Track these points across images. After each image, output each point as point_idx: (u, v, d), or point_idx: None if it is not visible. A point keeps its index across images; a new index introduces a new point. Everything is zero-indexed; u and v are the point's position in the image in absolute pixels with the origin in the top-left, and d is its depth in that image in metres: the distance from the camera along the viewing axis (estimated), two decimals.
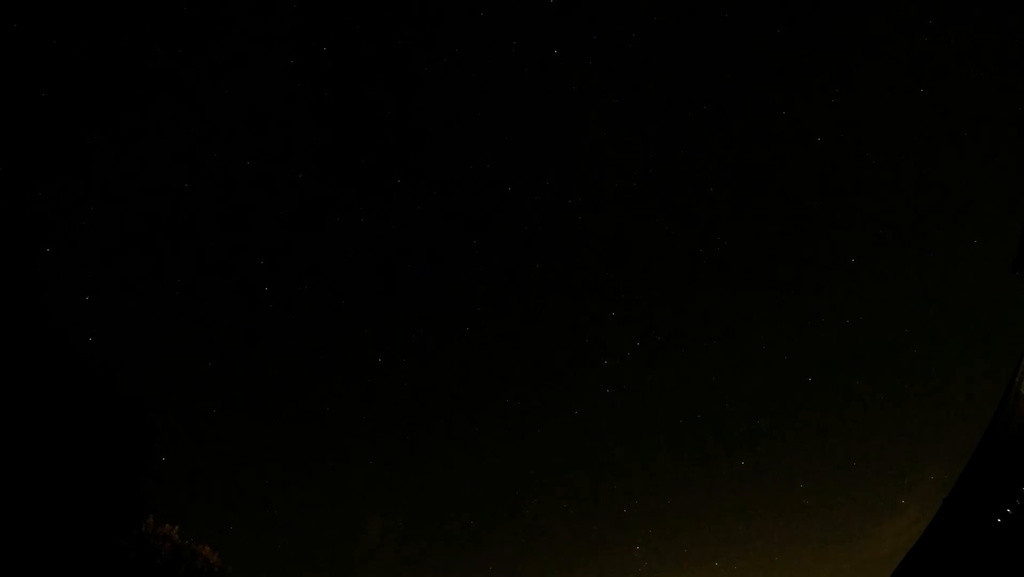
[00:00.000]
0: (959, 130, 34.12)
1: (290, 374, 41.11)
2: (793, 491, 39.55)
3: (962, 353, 37.52)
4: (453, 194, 39.16)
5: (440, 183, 39.20)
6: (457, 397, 42.76)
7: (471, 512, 42.86)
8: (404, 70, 35.11)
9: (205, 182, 35.04)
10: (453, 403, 42.77)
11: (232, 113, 34.27)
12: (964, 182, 35.14)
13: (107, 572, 13.16)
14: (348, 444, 42.07)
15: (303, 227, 38.78)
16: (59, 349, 12.38)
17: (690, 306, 40.30)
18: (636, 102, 36.84)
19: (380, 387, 41.09)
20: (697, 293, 40.10)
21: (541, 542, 43.06)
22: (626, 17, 34.26)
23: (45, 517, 11.80)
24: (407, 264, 40.46)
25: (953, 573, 12.40)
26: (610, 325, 39.78)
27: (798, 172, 37.41)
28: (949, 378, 37.97)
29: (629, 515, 40.42)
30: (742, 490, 41.32)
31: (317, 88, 34.11)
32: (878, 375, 39.85)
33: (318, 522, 41.79)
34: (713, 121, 36.96)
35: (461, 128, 37.85)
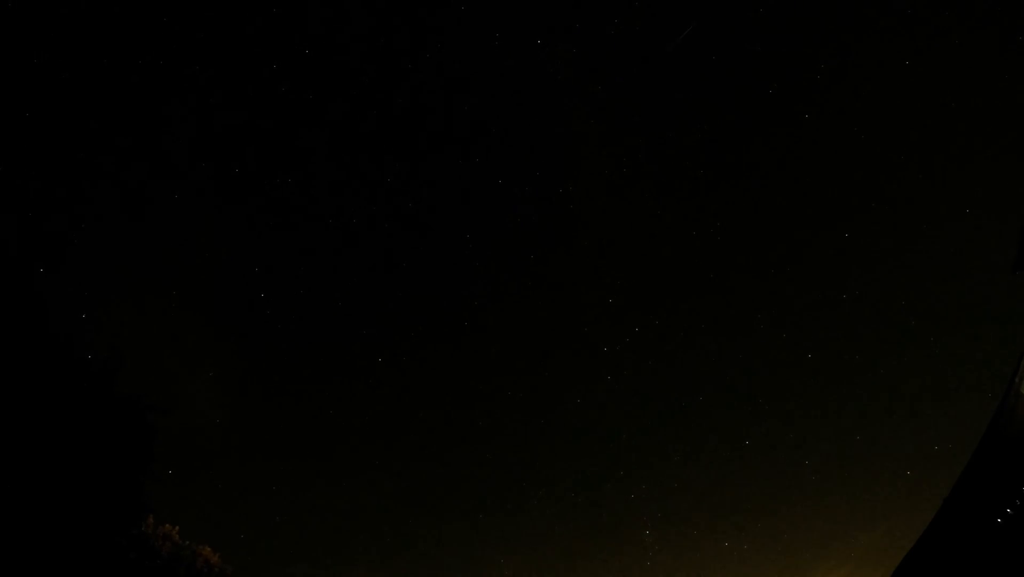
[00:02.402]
0: (956, 119, 34.06)
1: (290, 376, 41.14)
2: (799, 468, 39.61)
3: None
4: (444, 190, 39.18)
5: (430, 179, 39.21)
6: (458, 392, 42.78)
7: (479, 506, 42.92)
8: (387, 68, 35.07)
9: (195, 190, 35.04)
10: (455, 399, 42.81)
11: (218, 120, 34.23)
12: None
13: (107, 572, 13.16)
14: (351, 443, 42.08)
15: (295, 231, 38.82)
16: (59, 350, 12.38)
17: (687, 289, 40.34)
18: (622, 88, 36.83)
19: (381, 387, 41.12)
20: (693, 276, 40.12)
21: (551, 533, 43.12)
22: (607, 3, 34.20)
23: (45, 517, 11.79)
24: (402, 262, 40.49)
25: (953, 573, 12.40)
26: (608, 312, 39.76)
27: (787, 150, 37.42)
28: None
29: (637, 500, 40.47)
30: (748, 469, 41.39)
31: (301, 91, 34.08)
32: (877, 349, 39.89)
33: (320, 521, 41.80)
34: (700, 103, 36.96)
35: (448, 123, 37.86)
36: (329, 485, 41.75)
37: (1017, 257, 10.75)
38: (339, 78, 34.56)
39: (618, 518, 42.00)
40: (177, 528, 16.60)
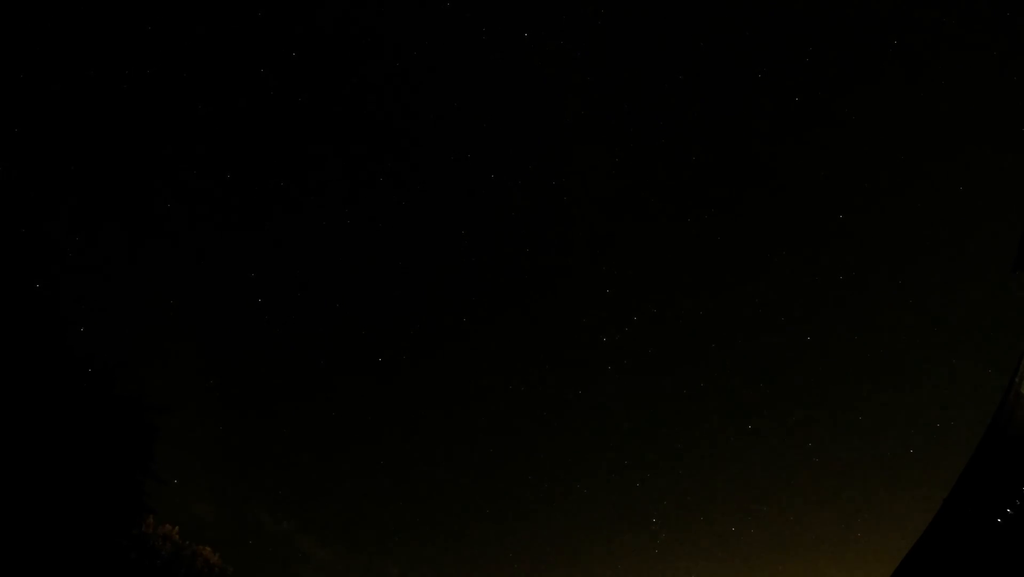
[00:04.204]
0: (949, 101, 33.92)
1: (291, 378, 41.12)
2: (802, 451, 39.60)
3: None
4: (437, 187, 39.16)
5: (423, 177, 39.19)
6: (459, 389, 42.78)
7: (484, 501, 42.90)
8: (375, 68, 35.02)
9: (190, 196, 34.97)
10: (456, 396, 42.81)
11: (209, 126, 34.19)
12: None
13: (107, 572, 13.16)
14: (352, 444, 42.05)
15: (290, 234, 38.81)
16: (60, 352, 12.38)
17: (683, 275, 40.37)
18: (610, 78, 36.78)
19: (381, 387, 41.11)
20: (689, 262, 40.14)
21: (559, 526, 43.14)
22: None
23: (46, 517, 11.79)
24: (398, 261, 40.54)
25: (953, 573, 12.37)
26: (605, 302, 39.80)
27: (779, 134, 37.36)
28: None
29: (643, 489, 40.48)
30: (752, 454, 41.40)
31: (291, 94, 34.01)
32: (875, 331, 39.83)
33: (322, 522, 41.76)
34: (689, 89, 36.94)
35: (438, 121, 37.85)
36: (331, 486, 41.78)
37: (1017, 257, 10.72)
38: (328, 79, 34.58)
39: (625, 507, 42.08)
40: (177, 528, 16.62)
